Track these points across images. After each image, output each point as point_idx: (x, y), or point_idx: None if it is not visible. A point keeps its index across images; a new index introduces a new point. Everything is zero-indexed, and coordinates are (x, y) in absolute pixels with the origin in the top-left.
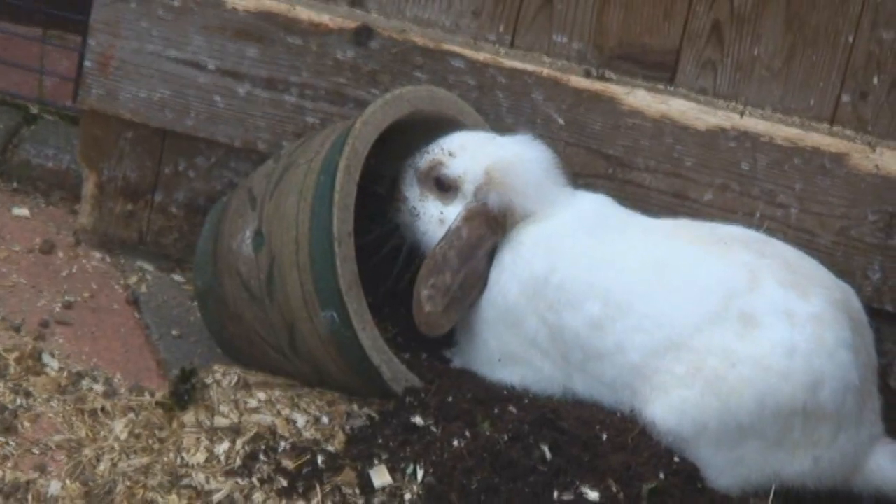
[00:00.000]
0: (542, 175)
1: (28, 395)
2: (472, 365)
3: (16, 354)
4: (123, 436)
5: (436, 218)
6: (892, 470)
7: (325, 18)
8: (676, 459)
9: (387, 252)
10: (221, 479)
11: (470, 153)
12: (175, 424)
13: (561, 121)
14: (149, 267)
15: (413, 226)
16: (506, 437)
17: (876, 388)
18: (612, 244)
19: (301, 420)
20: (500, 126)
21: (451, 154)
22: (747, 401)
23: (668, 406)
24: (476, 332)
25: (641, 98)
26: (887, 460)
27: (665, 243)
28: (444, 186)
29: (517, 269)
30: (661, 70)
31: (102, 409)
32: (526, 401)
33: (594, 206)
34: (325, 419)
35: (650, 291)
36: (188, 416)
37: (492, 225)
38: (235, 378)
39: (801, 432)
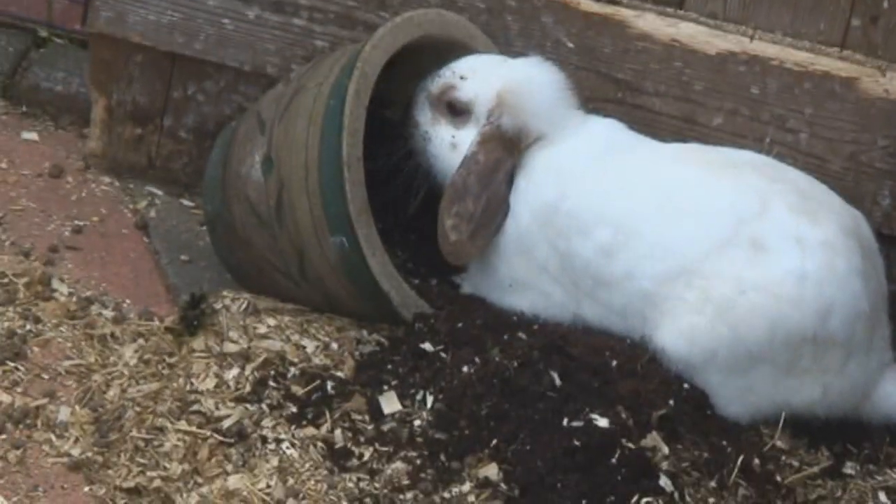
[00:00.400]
0: (553, 96)
1: (37, 320)
2: (482, 291)
3: (25, 279)
4: (133, 361)
5: (447, 142)
6: None
7: None
8: (686, 386)
9: (398, 178)
10: (231, 405)
11: (481, 76)
12: (184, 350)
13: (570, 44)
14: (158, 192)
15: (425, 150)
16: (515, 364)
17: (886, 316)
18: (622, 170)
19: (310, 346)
20: (510, 50)
21: (462, 77)
22: (757, 328)
23: (677, 332)
24: (487, 259)
25: (651, 22)
26: None
27: (675, 168)
28: (457, 110)
29: (529, 197)
30: None
31: (112, 334)
32: (536, 327)
33: (605, 130)
34: (334, 345)
35: (660, 218)
36: (197, 342)
37: (507, 147)
38: (245, 304)
39: (810, 360)
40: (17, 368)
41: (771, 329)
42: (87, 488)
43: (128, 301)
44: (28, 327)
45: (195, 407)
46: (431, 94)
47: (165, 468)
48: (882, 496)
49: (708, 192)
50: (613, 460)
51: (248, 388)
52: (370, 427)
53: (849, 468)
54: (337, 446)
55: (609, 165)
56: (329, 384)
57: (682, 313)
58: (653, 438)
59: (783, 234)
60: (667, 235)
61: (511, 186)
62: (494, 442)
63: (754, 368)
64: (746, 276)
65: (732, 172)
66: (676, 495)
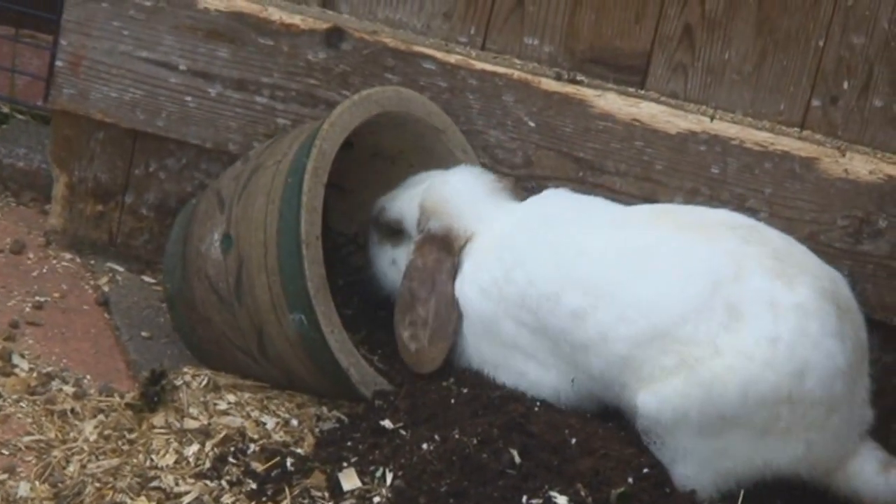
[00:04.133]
0: (476, 195)
1: None
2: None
3: None
4: (93, 437)
5: (388, 260)
6: (872, 478)
7: (296, 19)
8: (645, 467)
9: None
10: (191, 481)
11: (406, 195)
12: (144, 426)
13: (532, 123)
14: (119, 268)
15: (372, 270)
16: (475, 441)
17: (866, 371)
18: (580, 232)
19: (270, 422)
20: (471, 128)
21: (391, 199)
22: (730, 390)
23: (650, 393)
24: (462, 348)
25: (612, 101)
26: (871, 467)
27: (647, 229)
28: (392, 230)
29: (476, 276)
30: (631, 73)
31: (72, 410)
32: (495, 404)
33: (547, 199)
34: (294, 422)
35: (633, 279)
36: (158, 418)
37: (443, 247)
38: (205, 380)
39: (788, 420)
40: None
41: (744, 391)
42: None
43: (88, 377)
44: None
45: (155, 483)
46: (371, 218)
47: None
48: None
49: (683, 254)
50: None
51: (207, 465)
52: None
53: None
54: None
55: (563, 230)
56: (289, 461)
57: (657, 377)
58: None
59: (757, 298)
60: (641, 297)
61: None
62: None
63: (728, 430)
64: (721, 340)
65: (706, 234)
66: None
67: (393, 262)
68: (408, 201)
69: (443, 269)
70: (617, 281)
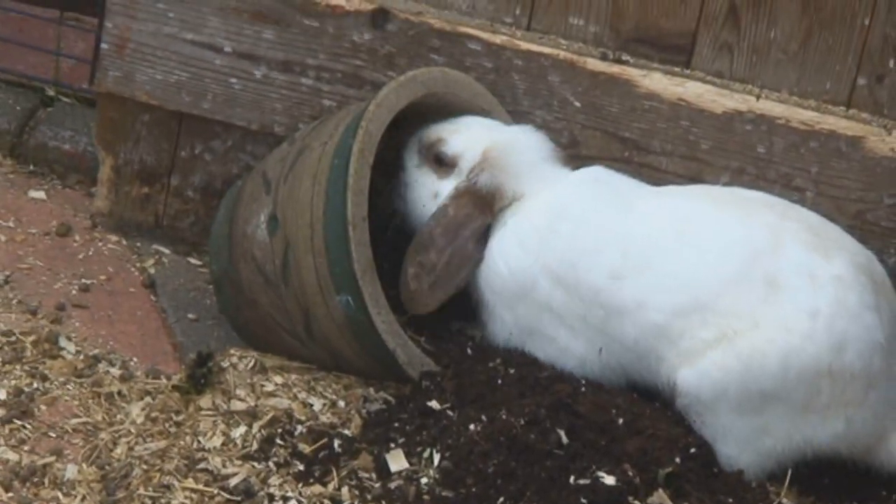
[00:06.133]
0: (538, 160)
1: (44, 378)
2: (495, 343)
3: (32, 338)
4: (140, 419)
5: (429, 190)
6: None
7: (341, 1)
8: (692, 447)
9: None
10: (238, 462)
11: (471, 134)
12: (191, 408)
13: (577, 103)
14: (165, 250)
15: (406, 195)
16: (522, 422)
17: None
18: (624, 200)
19: (318, 404)
20: (517, 108)
21: (453, 132)
22: (770, 363)
23: (690, 369)
24: (490, 309)
25: (658, 81)
26: None
27: (686, 202)
28: (443, 162)
29: (517, 230)
30: (677, 53)
31: (119, 392)
32: (543, 385)
33: (596, 171)
34: (341, 403)
35: (672, 248)
36: (204, 400)
37: (479, 205)
38: (252, 362)
39: (829, 394)
40: (24, 426)
41: (784, 364)
42: None
43: (135, 359)
44: (35, 385)
45: (202, 465)
46: (423, 142)
47: None
48: None
49: (720, 226)
50: None
51: (255, 446)
52: (377, 485)
53: None
54: None
55: (609, 195)
56: (336, 442)
57: (696, 351)
58: (659, 496)
59: (796, 269)
60: (679, 267)
61: (481, 247)
62: (501, 500)
63: (768, 406)
64: (760, 312)
65: (744, 209)
66: None
67: (434, 195)
68: (473, 142)
69: (470, 226)
70: (659, 248)
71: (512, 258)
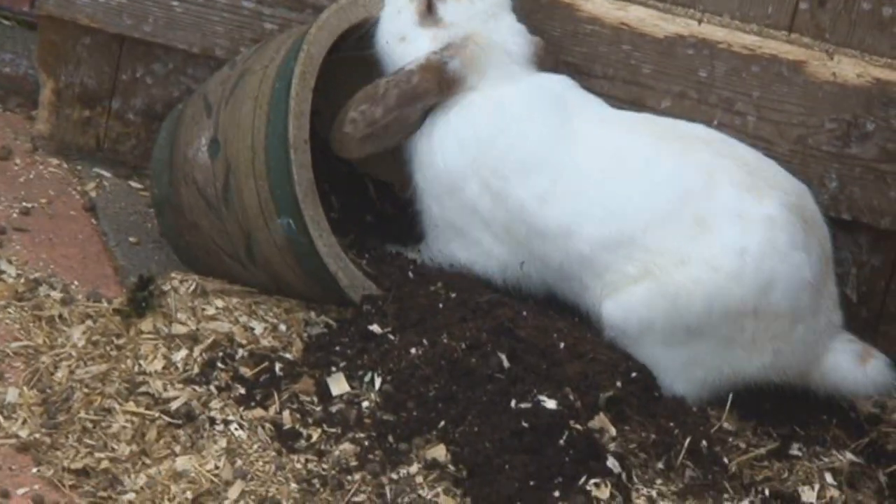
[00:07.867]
0: (510, 64)
1: None
2: (426, 241)
3: None
4: (81, 343)
5: (399, 29)
6: (850, 371)
7: None
8: (633, 371)
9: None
10: (179, 386)
11: (472, 9)
12: (132, 332)
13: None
14: (106, 174)
15: (380, 22)
16: (463, 346)
17: (833, 279)
18: (568, 121)
19: (259, 327)
20: None
21: None
22: (695, 301)
23: (615, 302)
24: (420, 195)
25: (599, 5)
26: (847, 360)
27: (624, 134)
28: (431, 14)
29: (460, 128)
30: None
31: (60, 315)
32: (484, 309)
33: (554, 82)
34: (282, 327)
35: (603, 179)
36: (145, 324)
37: (441, 84)
38: (193, 285)
39: (753, 331)
40: None
41: (709, 303)
42: (35, 469)
43: (76, 283)
44: None
45: (143, 388)
46: None
47: (113, 449)
48: (828, 477)
49: (654, 162)
50: (561, 442)
51: (196, 370)
52: (318, 408)
53: (795, 450)
54: (285, 427)
55: (555, 113)
56: (277, 366)
57: (621, 285)
58: (600, 420)
59: (726, 210)
60: (610, 199)
61: (422, 119)
62: (442, 424)
63: (694, 341)
64: (687, 250)
65: (681, 146)
66: (624, 477)
67: (402, 39)
68: (468, 19)
69: (425, 100)
70: (590, 177)
71: (449, 155)
